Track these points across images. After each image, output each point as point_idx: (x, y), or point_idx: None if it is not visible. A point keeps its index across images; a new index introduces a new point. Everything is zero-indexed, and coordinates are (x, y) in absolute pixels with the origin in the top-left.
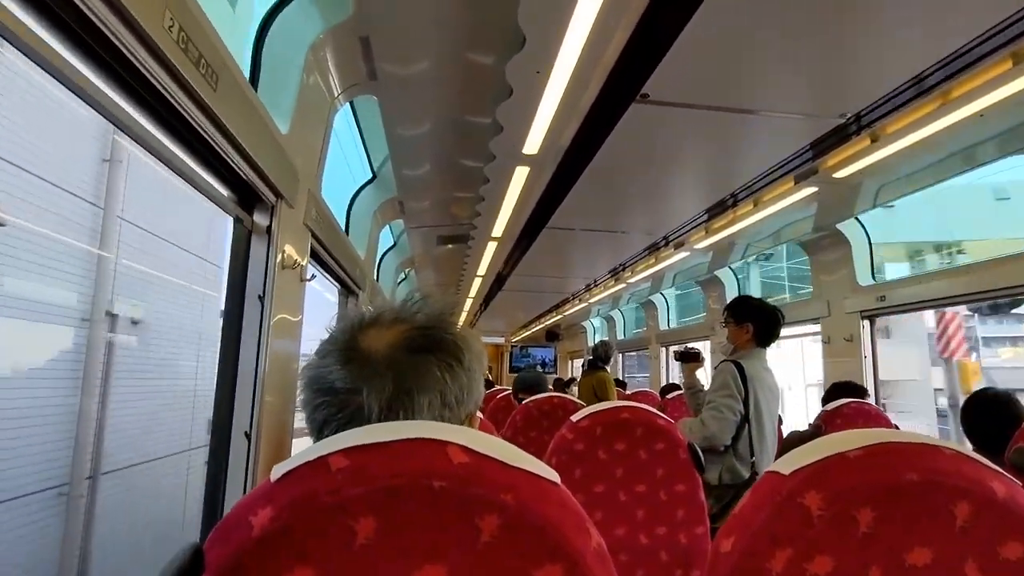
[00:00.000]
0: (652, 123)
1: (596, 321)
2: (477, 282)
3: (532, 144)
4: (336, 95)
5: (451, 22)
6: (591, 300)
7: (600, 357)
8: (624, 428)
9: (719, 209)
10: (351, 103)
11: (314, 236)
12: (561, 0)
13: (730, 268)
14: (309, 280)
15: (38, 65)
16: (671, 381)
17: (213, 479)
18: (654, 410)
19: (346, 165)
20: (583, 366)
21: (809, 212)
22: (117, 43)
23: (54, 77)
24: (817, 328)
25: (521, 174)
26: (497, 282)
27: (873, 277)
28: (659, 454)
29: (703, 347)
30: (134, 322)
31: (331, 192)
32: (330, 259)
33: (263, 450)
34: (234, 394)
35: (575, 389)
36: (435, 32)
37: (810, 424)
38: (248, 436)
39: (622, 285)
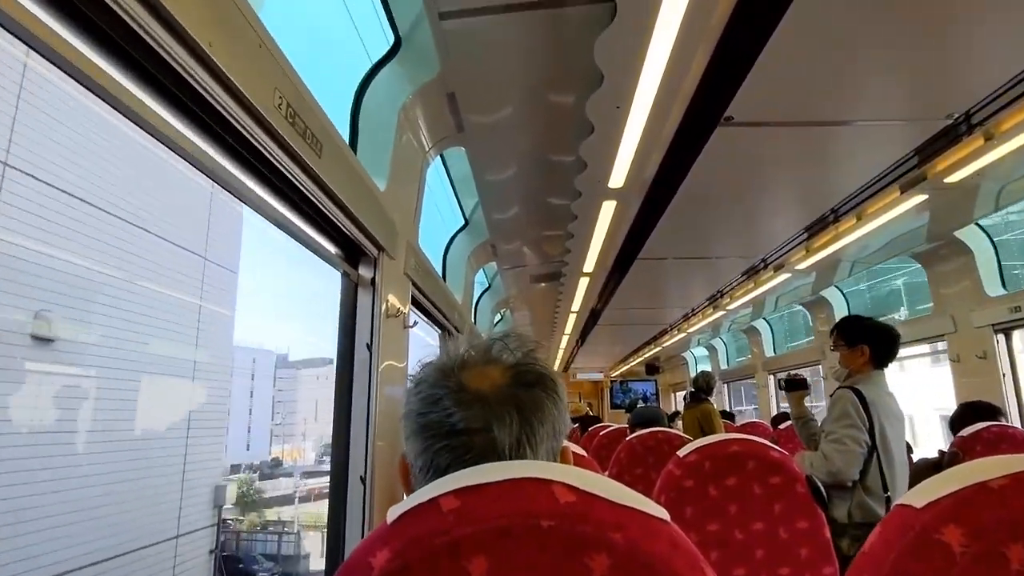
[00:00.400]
0: (739, 145)
1: (697, 351)
2: (572, 318)
3: (617, 177)
4: (427, 149)
5: (530, 70)
6: (690, 330)
7: (702, 388)
8: (734, 462)
9: (819, 226)
10: (441, 155)
11: (414, 284)
12: (636, 35)
13: (837, 287)
14: (411, 327)
15: (165, 145)
16: (782, 410)
17: (334, 523)
18: (766, 442)
19: (439, 214)
20: (685, 398)
21: (921, 222)
22: (234, 122)
23: (179, 155)
24: (918, 350)
25: (608, 208)
26: (592, 317)
27: (1004, 286)
28: (775, 489)
29: (812, 372)
30: (40, 340)
31: (427, 240)
32: (430, 305)
33: (377, 493)
34: (349, 440)
35: (680, 423)
36: (516, 81)
37: (940, 451)
38: (363, 480)
39: (721, 312)
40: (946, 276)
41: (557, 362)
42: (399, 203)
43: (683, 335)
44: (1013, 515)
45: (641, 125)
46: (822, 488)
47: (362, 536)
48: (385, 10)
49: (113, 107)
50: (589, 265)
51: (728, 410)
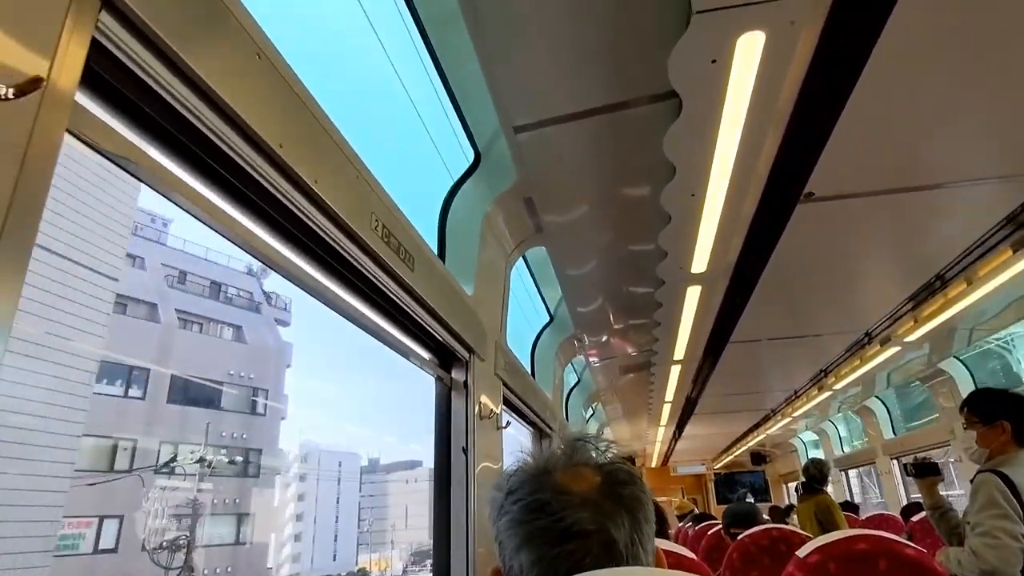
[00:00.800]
0: (823, 220)
1: (806, 436)
2: (666, 408)
3: (699, 263)
4: (509, 252)
5: (602, 169)
6: (794, 414)
7: (815, 478)
8: (864, 562)
9: (925, 294)
10: (523, 256)
11: (505, 384)
12: (704, 126)
13: (957, 358)
14: (505, 427)
15: (278, 272)
16: (912, 499)
17: None
18: (898, 538)
19: (522, 313)
20: (797, 490)
21: None
22: (336, 246)
23: (290, 280)
24: None
25: (693, 293)
26: (688, 406)
27: None
28: None
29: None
30: None
31: (515, 339)
32: (521, 404)
33: None
34: (449, 548)
35: (795, 518)
36: (589, 180)
37: None
38: None
39: (827, 393)
40: None
41: (655, 456)
42: (486, 305)
43: (787, 420)
44: None
45: (718, 210)
46: None
47: None
48: (465, 131)
49: (234, 242)
50: (679, 352)
51: (851, 500)
